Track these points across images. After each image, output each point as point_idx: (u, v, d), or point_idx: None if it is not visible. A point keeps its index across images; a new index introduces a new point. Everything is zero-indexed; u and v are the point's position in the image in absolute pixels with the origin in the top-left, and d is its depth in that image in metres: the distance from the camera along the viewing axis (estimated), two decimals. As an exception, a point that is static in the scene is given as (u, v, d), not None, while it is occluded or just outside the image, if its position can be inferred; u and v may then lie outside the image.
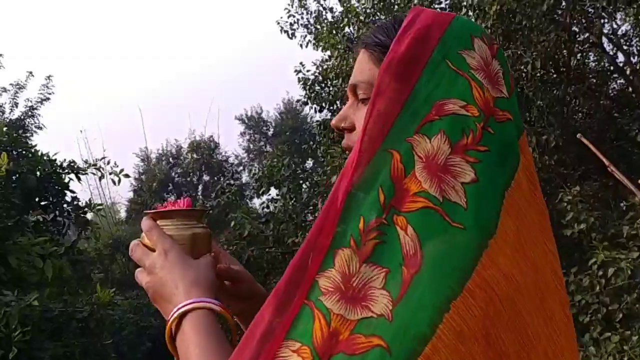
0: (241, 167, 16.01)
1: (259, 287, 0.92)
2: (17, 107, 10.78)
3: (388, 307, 0.57)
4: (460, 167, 0.63)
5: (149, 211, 0.82)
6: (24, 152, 4.23)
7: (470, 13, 5.66)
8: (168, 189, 15.24)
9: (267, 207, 7.90)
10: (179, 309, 0.72)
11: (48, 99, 10.61)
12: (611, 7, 5.59)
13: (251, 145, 16.83)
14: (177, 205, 0.83)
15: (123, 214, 15.57)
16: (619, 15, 6.48)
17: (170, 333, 0.72)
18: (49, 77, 10.69)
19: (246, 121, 16.86)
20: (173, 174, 15.60)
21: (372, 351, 0.55)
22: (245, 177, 15.16)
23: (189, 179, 15.66)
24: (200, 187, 15.64)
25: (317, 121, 8.11)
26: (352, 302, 0.58)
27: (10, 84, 10.74)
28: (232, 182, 14.17)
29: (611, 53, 7.10)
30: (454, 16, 0.73)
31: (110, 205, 14.12)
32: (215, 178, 15.17)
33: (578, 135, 2.69)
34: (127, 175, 4.57)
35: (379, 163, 0.64)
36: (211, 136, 16.07)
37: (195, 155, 15.42)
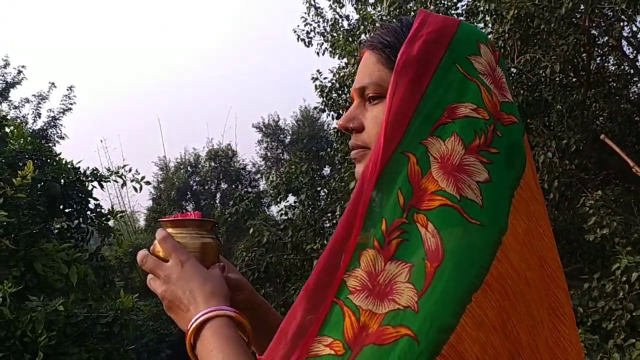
0: (258, 175, 16.07)
1: (259, 297, 0.93)
2: (39, 117, 11.02)
3: (413, 299, 0.59)
4: (474, 166, 0.66)
5: (164, 219, 0.86)
6: (48, 161, 4.32)
7: (488, 18, 5.65)
8: (186, 198, 15.35)
9: (285, 214, 7.92)
10: (200, 316, 0.74)
11: (70, 109, 10.83)
12: (631, 10, 5.54)
13: (268, 153, 16.89)
14: (188, 216, 0.87)
15: (142, 223, 15.72)
16: (638, 18, 6.40)
17: (190, 341, 0.75)
18: (70, 87, 10.93)
19: (263, 129, 16.93)
20: (191, 182, 15.70)
21: (400, 340, 0.57)
22: (262, 185, 15.23)
23: (207, 187, 15.77)
24: (218, 195, 15.74)
25: (334, 128, 8.13)
26: (380, 298, 0.61)
27: (33, 95, 10.99)
28: (249, 189, 14.25)
29: (631, 56, 7.03)
30: (459, 22, 0.77)
31: (130, 214, 14.29)
32: (233, 186, 15.26)
33: (602, 137, 2.67)
34: (148, 182, 4.63)
35: (396, 165, 0.67)
36: (229, 144, 16.19)
37: (213, 164, 15.54)
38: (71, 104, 10.94)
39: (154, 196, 14.97)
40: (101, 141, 14.62)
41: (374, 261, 0.63)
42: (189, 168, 15.83)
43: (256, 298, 0.92)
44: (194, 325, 0.74)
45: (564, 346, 0.67)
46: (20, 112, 11.36)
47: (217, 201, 15.39)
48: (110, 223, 4.92)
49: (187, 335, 0.75)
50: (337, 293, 0.63)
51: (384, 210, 0.65)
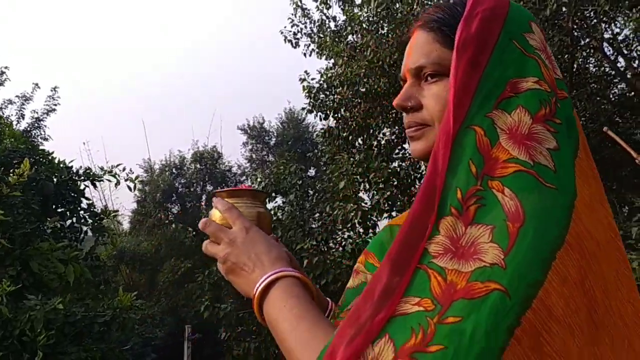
0: (244, 177, 16.04)
1: (304, 273, 0.97)
2: (23, 118, 10.86)
3: (499, 256, 0.61)
4: (543, 134, 0.69)
5: (221, 190, 0.89)
6: (41, 160, 4.28)
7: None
8: (172, 200, 15.24)
9: (275, 214, 7.92)
10: (268, 276, 0.77)
11: (54, 110, 10.70)
12: (612, 11, 5.67)
13: (253, 155, 16.87)
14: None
15: (126, 225, 15.57)
16: (619, 19, 6.56)
17: (258, 301, 0.77)
18: (54, 88, 10.79)
19: (248, 131, 16.91)
20: (176, 184, 15.58)
21: (491, 294, 0.59)
22: (248, 187, 15.17)
23: (192, 189, 15.67)
24: (203, 197, 15.66)
25: (322, 129, 8.16)
26: (465, 258, 0.63)
27: (17, 96, 10.83)
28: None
29: (612, 57, 7.19)
30: (509, 1, 0.79)
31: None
32: (219, 188, 15.19)
33: (605, 129, 2.74)
34: (142, 181, 4.62)
35: (464, 139, 0.69)
36: (214, 146, 16.12)
37: (198, 166, 15.46)
38: (55, 105, 10.82)
39: (139, 198, 14.83)
40: (84, 143, 14.44)
41: (454, 227, 0.65)
42: (174, 170, 15.70)
43: (302, 272, 0.95)
44: (262, 285, 0.77)
45: (625, 305, 0.70)
46: (3, 113, 11.18)
47: (203, 203, 15.31)
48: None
49: (255, 296, 0.77)
50: (420, 260, 0.64)
51: (455, 181, 0.67)
